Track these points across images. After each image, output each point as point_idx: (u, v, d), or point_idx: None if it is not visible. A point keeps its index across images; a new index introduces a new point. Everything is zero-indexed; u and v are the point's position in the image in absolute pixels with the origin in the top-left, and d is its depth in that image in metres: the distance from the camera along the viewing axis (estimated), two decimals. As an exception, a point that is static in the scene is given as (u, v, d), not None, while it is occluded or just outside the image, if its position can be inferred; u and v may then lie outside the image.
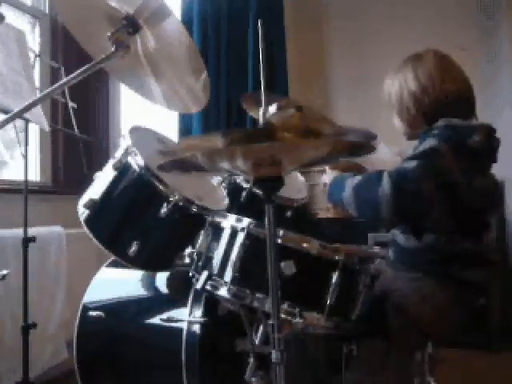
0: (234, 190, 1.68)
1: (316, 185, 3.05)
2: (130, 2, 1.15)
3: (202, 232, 1.39)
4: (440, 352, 1.40)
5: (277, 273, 1.01)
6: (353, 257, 1.21)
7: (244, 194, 1.67)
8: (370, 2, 3.69)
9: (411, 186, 1.25)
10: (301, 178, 2.03)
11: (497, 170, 1.46)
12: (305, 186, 1.99)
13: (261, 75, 1.20)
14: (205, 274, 1.28)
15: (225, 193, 1.67)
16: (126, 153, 1.46)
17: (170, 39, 1.22)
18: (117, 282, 1.76)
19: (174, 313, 1.53)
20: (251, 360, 1.34)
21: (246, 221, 1.24)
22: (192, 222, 1.43)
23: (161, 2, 1.14)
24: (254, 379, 1.32)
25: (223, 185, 1.71)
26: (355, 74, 3.69)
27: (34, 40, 2.47)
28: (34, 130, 2.35)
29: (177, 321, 1.49)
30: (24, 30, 1.97)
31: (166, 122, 3.11)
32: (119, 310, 1.70)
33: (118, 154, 1.50)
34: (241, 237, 1.23)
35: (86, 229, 1.48)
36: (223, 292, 1.23)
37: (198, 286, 1.29)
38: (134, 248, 1.42)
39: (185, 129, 3.07)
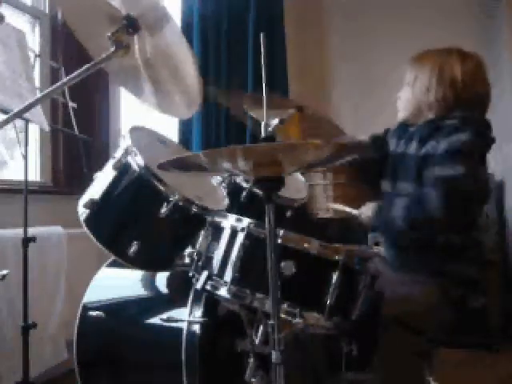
0: (234, 190, 1.68)
1: (316, 185, 3.06)
2: (132, 5, 1.15)
3: (202, 232, 1.39)
4: (440, 352, 1.40)
5: (277, 273, 1.01)
6: (353, 257, 1.21)
7: (244, 193, 1.67)
8: (371, 1, 3.69)
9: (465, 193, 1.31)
10: (301, 177, 2.03)
11: (497, 169, 1.47)
12: (305, 186, 1.99)
13: (262, 76, 1.20)
14: (205, 274, 1.28)
15: (225, 193, 1.67)
16: (126, 153, 1.46)
17: (167, 45, 1.22)
18: (117, 282, 1.76)
19: (174, 313, 1.53)
20: (251, 360, 1.34)
21: (245, 221, 1.24)
22: (192, 222, 1.43)
23: (163, 10, 1.14)
24: (254, 379, 1.32)
25: (223, 185, 1.71)
26: (355, 74, 3.69)
27: (33, 40, 2.47)
28: (34, 130, 2.35)
29: (177, 321, 1.49)
30: (24, 30, 1.97)
31: (165, 122, 3.11)
32: (119, 310, 1.70)
33: (118, 154, 1.50)
34: (241, 237, 1.23)
35: (85, 229, 1.48)
36: (223, 292, 1.23)
37: (198, 286, 1.29)
38: (133, 248, 1.42)
39: (185, 129, 3.07)
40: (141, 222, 1.48)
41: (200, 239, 1.38)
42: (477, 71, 1.50)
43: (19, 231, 1.70)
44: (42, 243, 1.91)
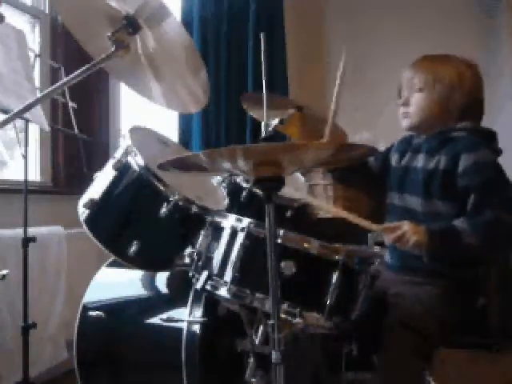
0: (234, 190, 1.68)
1: (316, 185, 3.05)
2: (130, 1, 1.15)
3: (202, 232, 1.39)
4: (440, 352, 1.40)
5: (277, 273, 1.01)
6: (353, 257, 1.21)
7: (244, 193, 1.67)
8: (370, 1, 3.69)
9: None
10: (301, 177, 2.03)
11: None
12: (305, 186, 1.99)
13: (262, 76, 1.20)
14: (205, 273, 1.28)
15: (225, 193, 1.67)
16: (126, 153, 1.46)
17: (169, 39, 1.22)
18: (117, 282, 1.76)
19: (174, 313, 1.53)
20: (251, 360, 1.34)
21: (245, 221, 1.24)
22: (192, 222, 1.43)
23: (160, 3, 1.14)
24: (254, 379, 1.32)
25: (223, 185, 1.71)
26: (355, 74, 3.69)
27: (33, 40, 2.47)
28: (34, 130, 2.35)
29: (177, 321, 1.49)
30: (24, 30, 1.96)
31: (166, 122, 3.11)
32: (119, 310, 1.70)
33: (118, 154, 1.50)
34: (241, 237, 1.23)
35: (85, 229, 1.47)
36: (223, 292, 1.23)
37: (198, 286, 1.29)
38: (133, 248, 1.42)
39: (185, 129, 3.07)
40: (141, 222, 1.48)
41: (200, 239, 1.38)
42: (481, 81, 1.48)
43: (19, 231, 1.70)
44: (42, 243, 1.91)
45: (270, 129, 1.18)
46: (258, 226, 1.22)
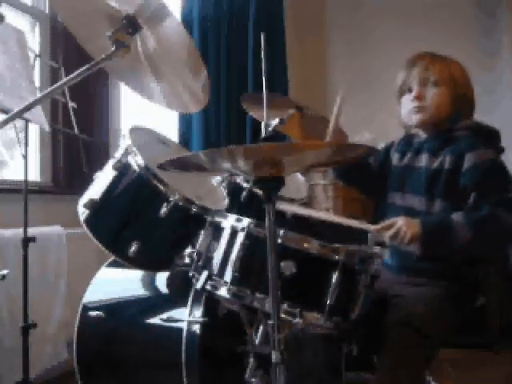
0: (234, 190, 1.68)
1: (316, 185, 3.06)
2: (130, 1, 1.15)
3: (202, 232, 1.39)
4: (440, 352, 1.40)
5: (277, 273, 1.01)
6: (353, 257, 1.21)
7: (244, 193, 1.67)
8: (371, 1, 3.69)
9: None
10: (301, 177, 2.03)
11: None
12: (305, 186, 1.99)
13: (262, 76, 1.20)
14: (205, 273, 1.28)
15: (225, 193, 1.67)
16: (126, 153, 1.46)
17: (169, 39, 1.22)
18: (117, 282, 1.76)
19: (174, 313, 1.53)
20: (251, 360, 1.34)
21: (245, 221, 1.24)
22: (192, 221, 1.43)
23: (160, 3, 1.14)
24: (254, 379, 1.32)
25: (223, 185, 1.71)
26: (355, 74, 3.69)
27: (33, 40, 2.47)
28: (34, 130, 2.35)
29: (177, 321, 1.49)
30: (24, 30, 1.96)
31: (165, 122, 3.11)
32: (119, 310, 1.70)
33: (118, 154, 1.50)
34: (241, 237, 1.23)
35: (85, 229, 1.48)
36: (223, 292, 1.23)
37: (198, 286, 1.29)
38: (133, 248, 1.42)
39: (185, 129, 3.07)
40: (141, 222, 1.48)
41: (200, 239, 1.38)
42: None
43: (19, 231, 1.70)
44: (41, 243, 1.91)
45: (269, 129, 1.18)
46: (258, 226, 1.22)
